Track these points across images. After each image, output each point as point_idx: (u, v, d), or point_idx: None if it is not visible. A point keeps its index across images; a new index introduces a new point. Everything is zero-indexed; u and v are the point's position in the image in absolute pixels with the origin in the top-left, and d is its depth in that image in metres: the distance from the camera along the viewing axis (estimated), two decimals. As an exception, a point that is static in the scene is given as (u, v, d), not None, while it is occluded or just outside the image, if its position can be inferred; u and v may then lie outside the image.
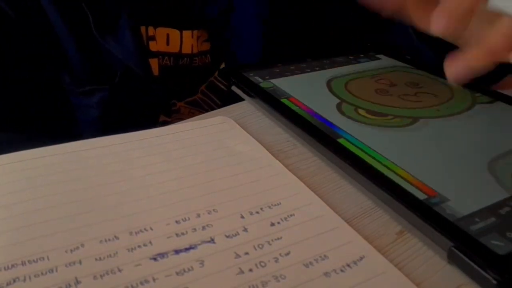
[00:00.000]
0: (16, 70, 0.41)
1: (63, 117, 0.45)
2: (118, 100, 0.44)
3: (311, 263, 0.21)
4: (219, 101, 0.52)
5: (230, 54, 0.49)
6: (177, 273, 0.21)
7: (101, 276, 0.20)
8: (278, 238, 0.23)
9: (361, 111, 0.35)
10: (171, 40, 0.46)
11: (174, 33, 0.46)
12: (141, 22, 0.44)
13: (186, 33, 0.47)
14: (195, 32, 0.47)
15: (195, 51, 0.48)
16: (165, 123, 0.36)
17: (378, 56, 0.47)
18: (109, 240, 0.22)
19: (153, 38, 0.45)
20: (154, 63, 0.45)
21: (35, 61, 0.42)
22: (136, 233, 0.23)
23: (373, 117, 0.34)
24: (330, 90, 0.38)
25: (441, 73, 0.41)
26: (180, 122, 0.36)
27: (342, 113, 0.34)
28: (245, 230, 0.23)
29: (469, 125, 0.33)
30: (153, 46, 0.45)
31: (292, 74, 0.41)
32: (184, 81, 0.49)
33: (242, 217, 0.24)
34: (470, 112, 0.35)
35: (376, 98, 0.37)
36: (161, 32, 0.45)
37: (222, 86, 0.51)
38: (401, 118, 0.34)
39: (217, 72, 0.50)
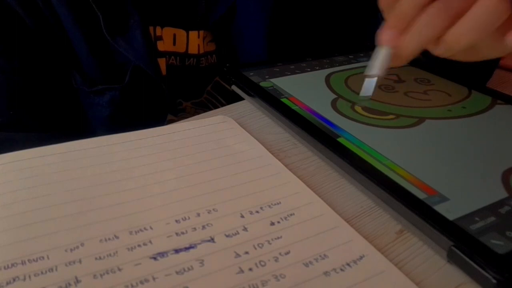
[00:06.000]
0: (30, 72, 0.42)
1: (75, 117, 0.46)
2: (128, 99, 0.44)
3: (311, 262, 0.21)
4: (225, 101, 0.52)
5: (234, 54, 0.49)
6: (177, 272, 0.21)
7: (101, 275, 0.20)
8: (278, 238, 0.23)
9: (357, 108, 0.34)
10: (177, 40, 0.47)
11: (181, 33, 0.47)
12: (149, 22, 0.44)
13: (192, 34, 0.47)
14: (201, 32, 0.47)
15: (201, 51, 0.48)
16: (171, 122, 0.36)
17: (378, 55, 0.47)
18: (109, 239, 0.22)
19: (160, 38, 0.46)
20: (161, 63, 0.46)
21: (48, 62, 0.43)
22: (136, 232, 0.23)
23: (371, 115, 0.33)
24: (328, 85, 0.38)
25: (447, 76, 0.40)
26: (180, 121, 0.36)
27: (337, 110, 0.34)
28: (245, 229, 0.23)
29: (480, 127, 0.32)
30: (160, 46, 0.46)
31: (292, 74, 0.41)
32: (190, 81, 0.49)
33: (242, 216, 0.24)
34: (487, 113, 0.34)
35: (378, 95, 0.36)
36: (167, 32, 0.46)
37: (228, 86, 0.51)
38: (405, 118, 0.33)
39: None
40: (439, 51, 0.28)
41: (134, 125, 0.33)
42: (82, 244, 0.22)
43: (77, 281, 0.20)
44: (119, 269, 0.21)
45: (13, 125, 0.41)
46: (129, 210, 0.25)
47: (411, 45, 0.27)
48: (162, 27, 0.45)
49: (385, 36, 0.28)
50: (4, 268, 0.20)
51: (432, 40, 0.27)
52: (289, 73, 0.41)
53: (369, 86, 0.30)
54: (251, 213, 0.25)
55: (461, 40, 0.26)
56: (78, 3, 0.41)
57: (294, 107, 0.34)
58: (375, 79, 0.29)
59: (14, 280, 0.20)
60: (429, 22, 0.26)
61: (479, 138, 0.31)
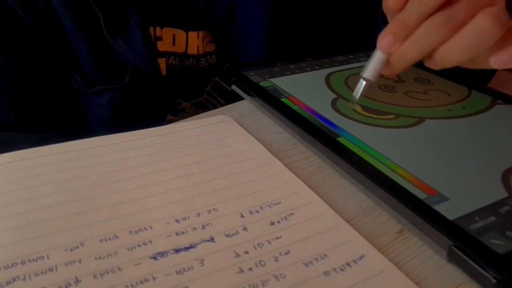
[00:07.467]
0: (30, 72, 0.42)
1: (75, 117, 0.46)
2: (128, 100, 0.44)
3: (311, 262, 0.21)
4: (224, 101, 0.52)
5: (234, 54, 0.49)
6: (177, 272, 0.21)
7: (101, 275, 0.20)
8: (278, 237, 0.23)
9: (357, 108, 0.34)
10: (177, 41, 0.47)
11: (180, 33, 0.47)
12: (149, 23, 0.44)
13: (192, 34, 0.47)
14: (201, 33, 0.47)
15: (201, 52, 0.48)
16: (171, 122, 0.36)
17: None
18: (109, 239, 0.22)
19: (160, 38, 0.46)
20: (161, 63, 0.46)
21: (48, 63, 0.43)
22: (136, 232, 0.23)
23: (371, 115, 0.33)
24: (328, 85, 0.38)
25: (447, 76, 0.40)
26: (180, 121, 0.36)
27: (337, 109, 0.34)
28: (245, 229, 0.23)
29: (480, 127, 0.32)
30: (160, 46, 0.46)
31: (292, 73, 0.41)
32: (190, 81, 0.49)
33: (242, 216, 0.24)
34: (487, 113, 0.34)
35: (378, 95, 0.36)
36: (167, 33, 0.46)
37: (227, 87, 0.51)
38: (405, 118, 0.33)
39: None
40: (431, 64, 0.27)
41: (134, 125, 0.33)
42: (82, 244, 0.22)
43: (77, 281, 0.20)
44: (119, 269, 0.21)
45: (13, 125, 0.41)
46: (129, 210, 0.25)
47: (408, 53, 0.27)
48: (161, 28, 0.45)
49: (383, 40, 0.27)
50: (4, 268, 0.20)
51: (431, 51, 0.26)
52: (289, 73, 0.41)
53: (359, 88, 0.29)
54: (251, 213, 0.25)
55: (451, 59, 0.25)
56: (78, 3, 0.41)
57: (294, 107, 0.34)
58: (364, 83, 0.28)
59: (14, 280, 0.20)
60: (432, 31, 0.25)
61: (479, 138, 0.31)
